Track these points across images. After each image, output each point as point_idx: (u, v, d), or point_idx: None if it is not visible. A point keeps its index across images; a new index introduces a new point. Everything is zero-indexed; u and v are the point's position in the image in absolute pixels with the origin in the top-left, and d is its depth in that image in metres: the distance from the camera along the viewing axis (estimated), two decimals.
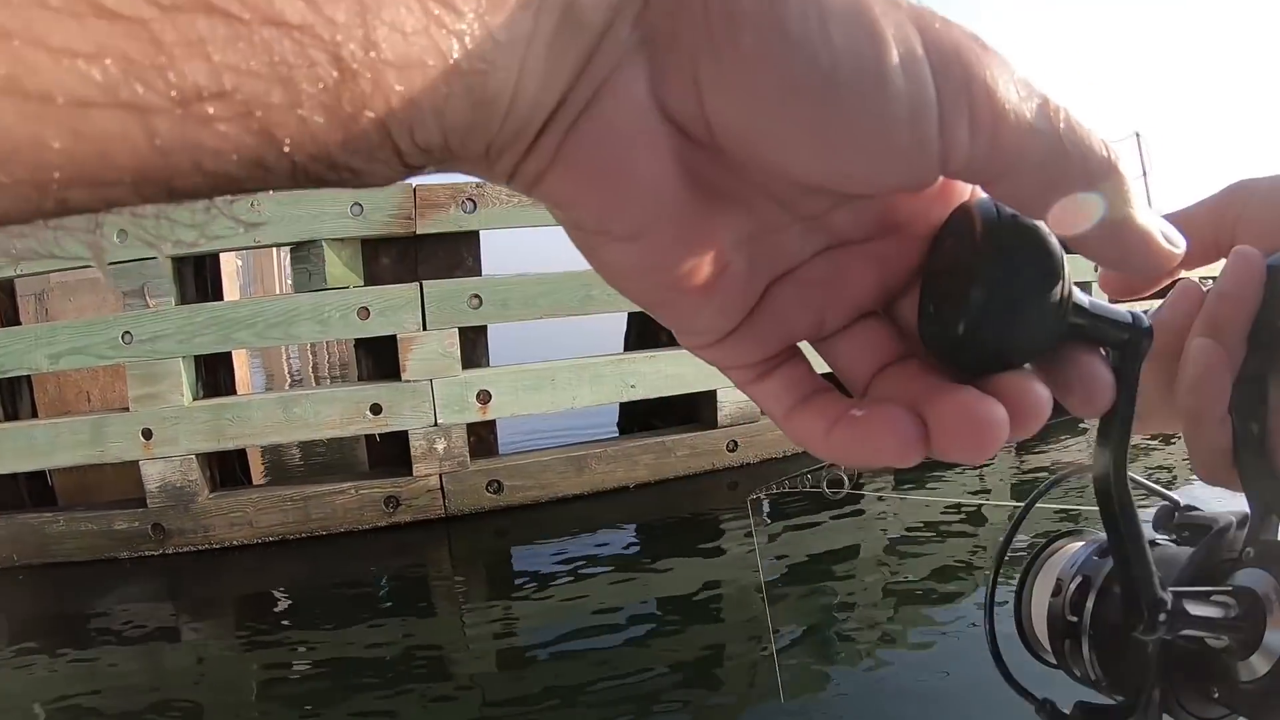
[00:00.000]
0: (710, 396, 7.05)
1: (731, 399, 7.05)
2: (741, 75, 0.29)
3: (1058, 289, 0.35)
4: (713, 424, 7.10)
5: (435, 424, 6.21)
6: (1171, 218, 0.52)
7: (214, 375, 6.27)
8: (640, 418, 7.51)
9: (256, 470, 7.36)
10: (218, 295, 6.63)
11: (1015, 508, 6.01)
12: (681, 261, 0.34)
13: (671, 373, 6.83)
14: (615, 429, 7.88)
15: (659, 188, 0.31)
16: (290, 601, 5.22)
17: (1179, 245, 0.35)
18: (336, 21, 0.23)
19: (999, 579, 0.73)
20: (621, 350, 7.45)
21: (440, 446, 6.25)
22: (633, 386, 6.77)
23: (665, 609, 4.72)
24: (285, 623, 4.87)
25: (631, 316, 7.62)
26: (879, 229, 0.39)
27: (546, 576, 5.28)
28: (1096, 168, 0.32)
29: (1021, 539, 0.79)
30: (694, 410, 7.25)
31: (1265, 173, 0.56)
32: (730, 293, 0.36)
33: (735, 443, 7.13)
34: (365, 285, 6.17)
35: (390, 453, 6.43)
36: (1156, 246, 0.34)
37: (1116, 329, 0.41)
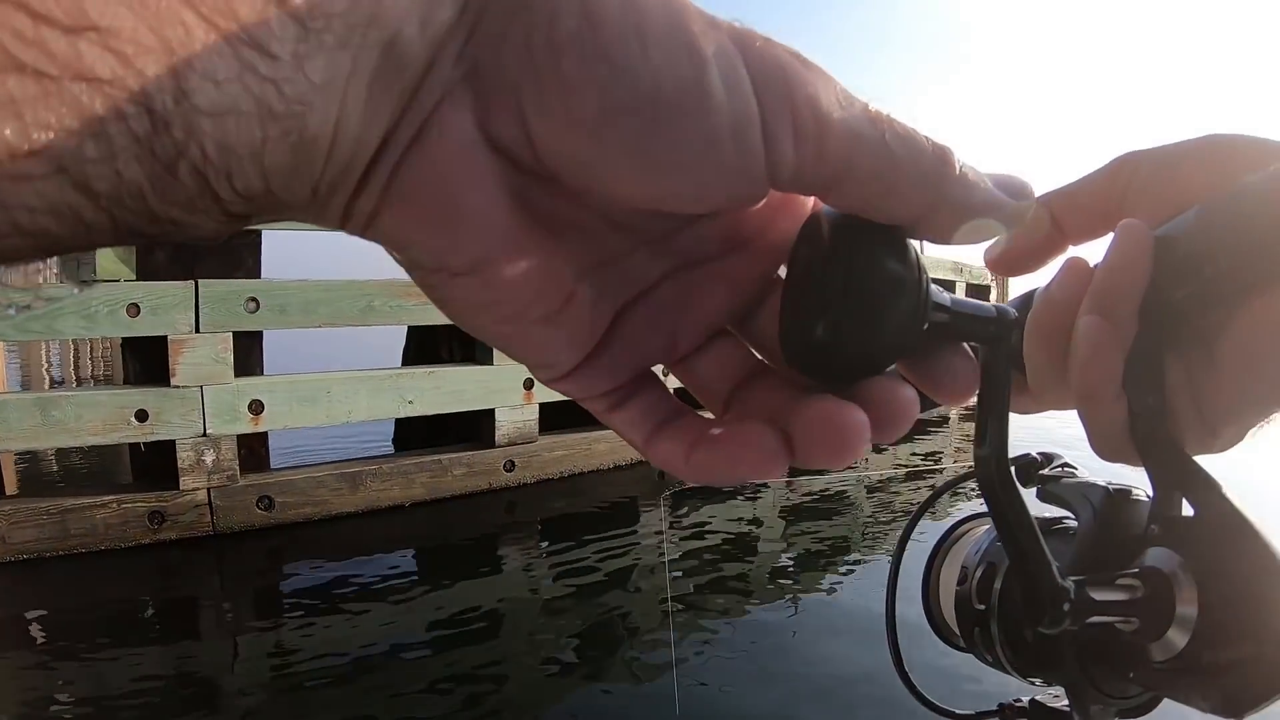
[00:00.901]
0: (489, 415, 7.05)
1: (509, 418, 7.08)
2: (564, 100, 0.29)
3: (915, 290, 0.36)
4: (490, 443, 7.10)
5: (204, 434, 5.96)
6: (1059, 193, 0.58)
7: None
8: (417, 435, 7.39)
9: (10, 479, 6.94)
10: None
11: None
12: (523, 294, 0.34)
13: (451, 389, 6.80)
14: (390, 445, 7.75)
15: (490, 219, 0.32)
16: (47, 627, 4.86)
17: (1025, 194, 0.36)
18: (147, 74, 0.23)
19: (895, 596, 0.78)
20: (400, 364, 7.29)
21: (209, 458, 6.00)
22: (410, 402, 6.67)
23: (445, 631, 4.66)
24: (41, 652, 4.52)
25: (411, 330, 7.54)
26: (725, 247, 0.40)
27: (321, 599, 5.14)
28: (928, 165, 0.33)
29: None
30: (472, 429, 7.22)
31: None
32: (578, 322, 0.37)
33: (512, 463, 7.15)
34: (137, 280, 5.84)
35: (156, 464, 6.10)
36: (1005, 209, 0.35)
37: (982, 324, 0.43)
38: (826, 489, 7.27)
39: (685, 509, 6.48)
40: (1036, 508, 0.58)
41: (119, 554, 5.70)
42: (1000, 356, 0.45)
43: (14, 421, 5.46)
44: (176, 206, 0.26)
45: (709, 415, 0.41)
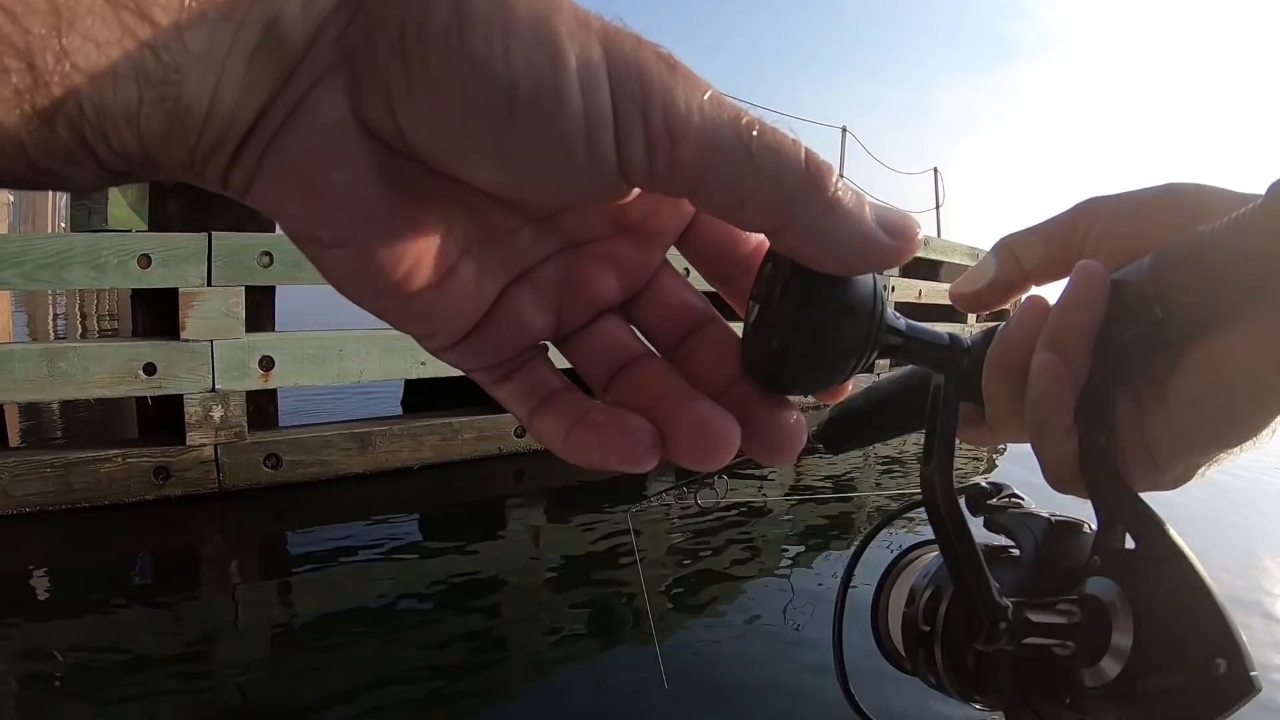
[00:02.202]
0: None
1: None
2: (428, 94, 0.29)
3: (867, 316, 0.38)
4: (501, 407, 6.96)
5: (213, 389, 5.88)
6: (1021, 234, 0.60)
7: None
8: (424, 397, 7.35)
9: (13, 431, 6.89)
10: None
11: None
12: (398, 268, 0.34)
13: None
14: (398, 407, 7.71)
15: (358, 197, 0.32)
16: (48, 582, 4.81)
17: (905, 236, 0.35)
18: (32, 32, 0.25)
19: (844, 617, 0.80)
20: None
21: (217, 414, 5.92)
22: (423, 364, 6.59)
23: (446, 596, 4.65)
24: (43, 606, 4.48)
25: None
26: (612, 228, 0.41)
27: (326, 559, 5.11)
28: (791, 182, 0.33)
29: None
30: (479, 391, 7.08)
31: None
32: (460, 296, 0.37)
33: (524, 428, 7.04)
34: (149, 230, 5.72)
35: (163, 418, 6.04)
36: (876, 244, 0.35)
37: (933, 349, 0.46)
38: (834, 472, 7.32)
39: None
40: (984, 536, 0.62)
41: (123, 509, 5.64)
42: (951, 382, 0.48)
43: (19, 373, 5.37)
44: (55, 159, 0.27)
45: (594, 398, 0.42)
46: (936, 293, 13.47)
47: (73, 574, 4.86)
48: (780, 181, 0.32)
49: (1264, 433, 0.49)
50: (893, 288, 12.23)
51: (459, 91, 0.29)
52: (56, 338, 14.74)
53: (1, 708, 3.56)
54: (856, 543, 0.82)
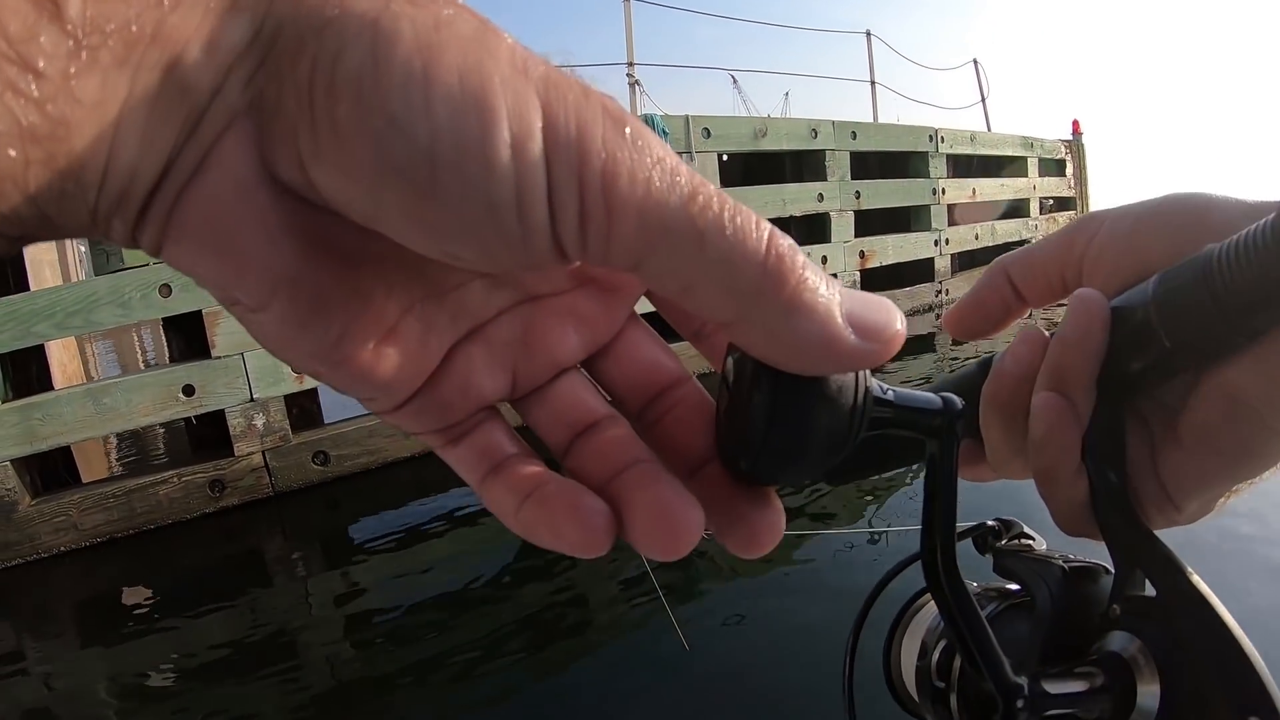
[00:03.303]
0: None
1: None
2: (337, 152, 0.26)
3: (851, 401, 0.33)
4: None
5: (251, 399, 6.11)
6: (1016, 255, 0.57)
7: (24, 372, 5.90)
8: None
9: (99, 465, 7.12)
10: (22, 286, 6.06)
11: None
12: (329, 332, 0.31)
13: None
14: None
15: (276, 258, 0.29)
16: (130, 601, 5.03)
17: (879, 338, 0.30)
18: None
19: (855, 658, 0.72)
20: None
21: (260, 422, 6.15)
22: None
23: (514, 564, 4.76)
24: (128, 624, 4.70)
25: None
26: (573, 281, 0.37)
27: (385, 543, 5.30)
28: (747, 277, 0.28)
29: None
30: None
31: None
32: (402, 358, 0.33)
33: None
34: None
35: (210, 435, 6.28)
36: (842, 349, 0.30)
37: (926, 416, 0.40)
38: None
39: None
40: (993, 577, 0.60)
41: (185, 525, 5.89)
42: (947, 450, 0.42)
43: (69, 415, 5.64)
44: None
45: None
46: (991, 189, 13.09)
47: (152, 591, 5.11)
48: (733, 275, 0.28)
49: None
50: (944, 190, 11.96)
51: (372, 150, 0.26)
52: (147, 367, 15.13)
53: (107, 714, 3.82)
54: (860, 605, 0.74)
